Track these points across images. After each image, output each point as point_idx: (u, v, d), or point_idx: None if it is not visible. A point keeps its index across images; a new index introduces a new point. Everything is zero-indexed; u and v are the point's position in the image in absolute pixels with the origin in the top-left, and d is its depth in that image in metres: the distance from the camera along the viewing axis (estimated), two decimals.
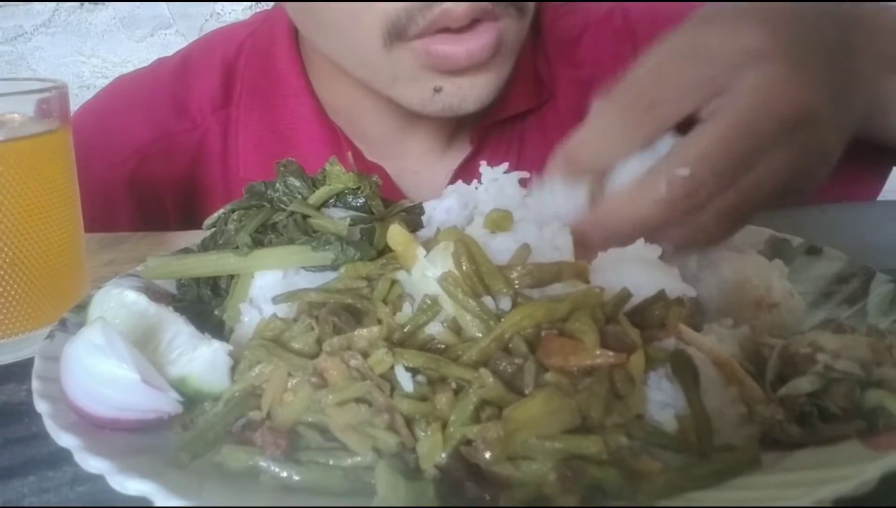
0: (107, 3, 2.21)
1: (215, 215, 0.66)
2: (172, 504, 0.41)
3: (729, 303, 0.58)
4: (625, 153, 0.57)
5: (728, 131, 0.54)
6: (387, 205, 0.67)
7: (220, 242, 0.64)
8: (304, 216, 0.62)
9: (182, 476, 0.45)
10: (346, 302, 0.54)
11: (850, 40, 0.64)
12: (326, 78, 1.02)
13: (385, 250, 0.58)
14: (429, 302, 0.51)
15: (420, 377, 0.47)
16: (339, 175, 0.65)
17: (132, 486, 0.42)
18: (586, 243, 0.56)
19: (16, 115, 0.67)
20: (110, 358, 0.48)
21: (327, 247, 0.59)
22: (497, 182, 0.64)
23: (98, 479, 0.44)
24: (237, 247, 0.61)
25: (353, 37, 0.87)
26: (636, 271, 0.53)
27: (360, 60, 0.90)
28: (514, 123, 1.04)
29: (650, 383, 0.47)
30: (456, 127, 1.03)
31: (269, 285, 0.59)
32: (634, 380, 0.46)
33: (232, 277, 0.62)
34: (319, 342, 0.50)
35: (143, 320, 0.54)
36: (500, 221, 0.57)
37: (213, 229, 0.66)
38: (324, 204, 0.65)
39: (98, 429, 0.48)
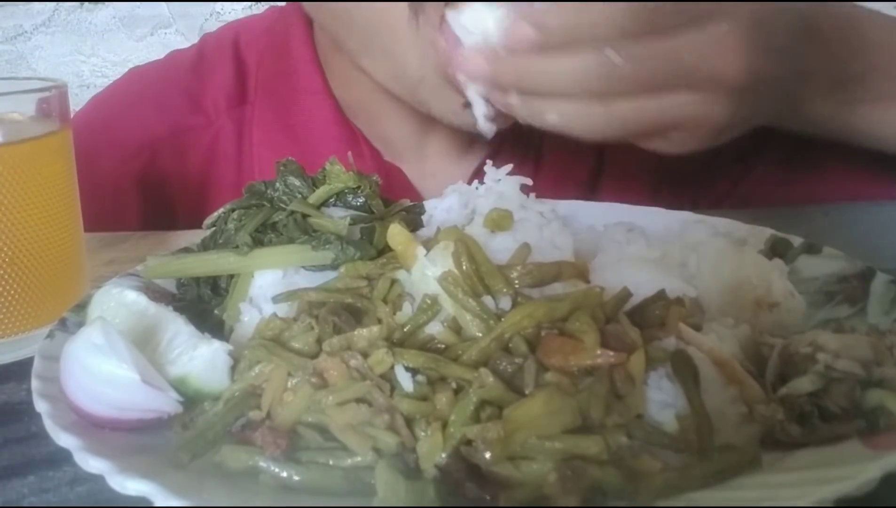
0: (107, 2, 2.20)
1: (215, 214, 0.66)
2: (172, 504, 0.41)
3: (729, 303, 0.58)
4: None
5: (673, 42, 0.60)
6: (387, 204, 0.67)
7: (220, 241, 0.64)
8: (304, 216, 0.62)
9: (182, 476, 0.45)
10: (346, 302, 0.54)
11: (803, 48, 0.71)
12: (345, 78, 1.00)
13: (385, 250, 0.58)
14: (429, 302, 0.51)
15: (420, 377, 0.47)
16: (338, 174, 0.65)
17: (132, 486, 0.42)
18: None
19: (16, 114, 0.67)
20: (110, 358, 0.48)
21: (327, 246, 0.59)
22: (498, 185, 0.64)
23: (98, 479, 0.44)
24: (237, 246, 0.61)
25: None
26: (636, 271, 0.54)
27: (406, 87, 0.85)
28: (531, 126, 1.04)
29: (650, 382, 0.47)
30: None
31: (269, 284, 0.59)
32: (634, 380, 0.46)
33: (232, 276, 0.62)
34: (319, 341, 0.50)
35: (142, 319, 0.54)
36: (500, 220, 0.57)
37: (213, 229, 0.66)
38: (324, 203, 0.65)
39: (98, 429, 0.48)
